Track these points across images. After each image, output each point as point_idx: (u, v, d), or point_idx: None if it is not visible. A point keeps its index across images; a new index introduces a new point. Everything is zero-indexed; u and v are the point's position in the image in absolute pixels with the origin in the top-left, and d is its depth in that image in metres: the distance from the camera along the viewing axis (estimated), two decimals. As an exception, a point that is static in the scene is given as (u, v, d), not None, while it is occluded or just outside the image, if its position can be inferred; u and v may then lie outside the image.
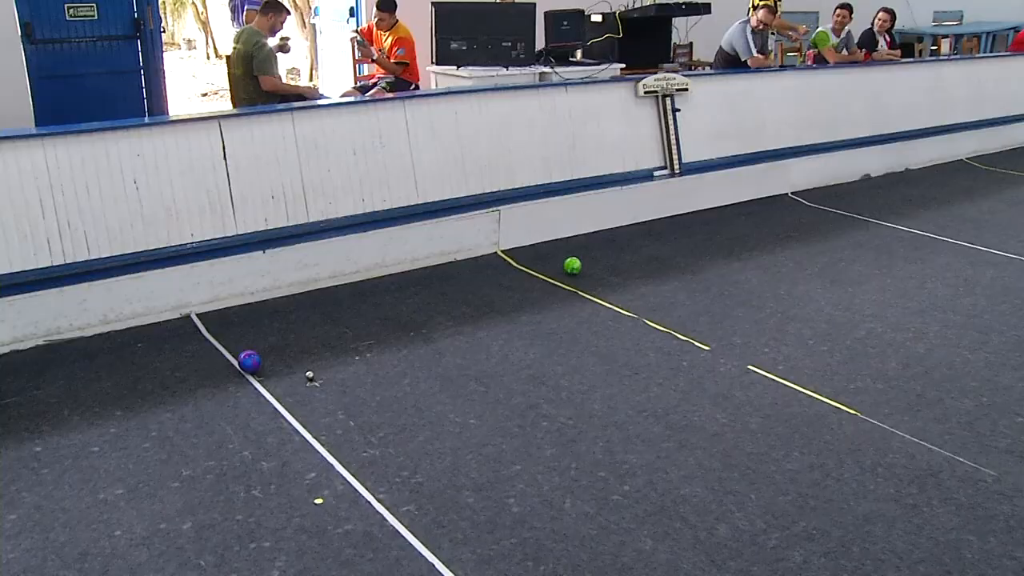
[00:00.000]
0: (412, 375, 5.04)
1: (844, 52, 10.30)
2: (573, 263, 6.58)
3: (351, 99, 7.58)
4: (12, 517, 3.75)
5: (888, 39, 11.10)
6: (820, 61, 10.27)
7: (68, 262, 5.41)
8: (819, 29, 10.69)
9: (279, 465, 4.13)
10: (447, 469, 4.11)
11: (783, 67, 10.49)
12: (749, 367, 5.18)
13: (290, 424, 4.49)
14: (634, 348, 5.43)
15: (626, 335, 5.61)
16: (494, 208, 7.04)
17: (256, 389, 4.87)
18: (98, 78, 8.11)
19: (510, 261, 6.95)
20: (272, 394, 4.79)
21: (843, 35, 10.35)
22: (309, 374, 4.98)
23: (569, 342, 5.49)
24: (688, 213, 8.21)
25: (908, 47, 13.63)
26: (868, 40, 10.85)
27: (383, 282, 6.45)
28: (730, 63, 9.41)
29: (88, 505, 3.84)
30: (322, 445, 4.29)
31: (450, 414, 4.62)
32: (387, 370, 5.10)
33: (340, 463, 4.13)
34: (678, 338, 5.56)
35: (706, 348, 5.43)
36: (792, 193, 9.02)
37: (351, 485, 3.97)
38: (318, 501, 3.86)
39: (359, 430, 4.44)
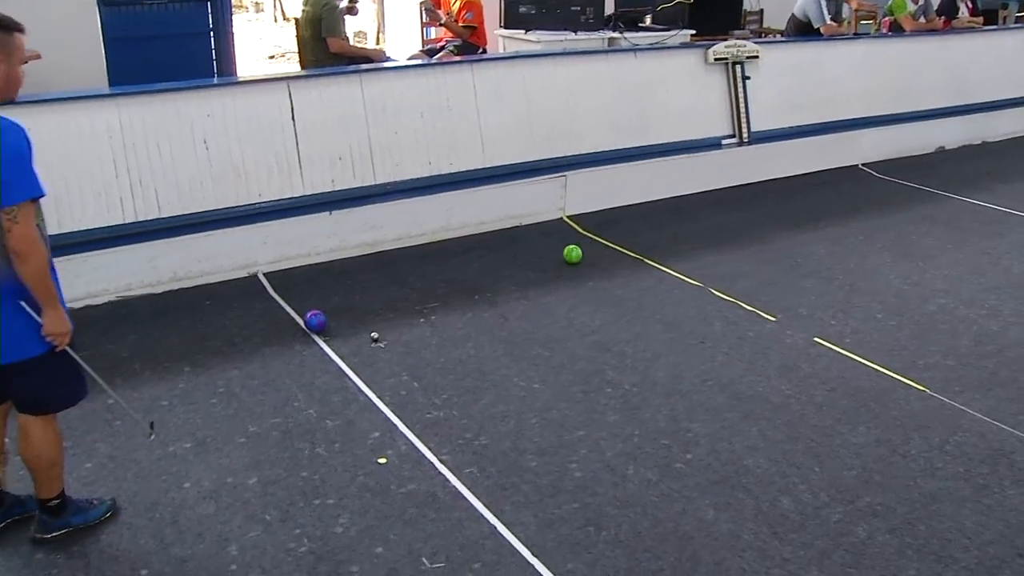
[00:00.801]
0: (476, 338, 5.06)
1: (921, 19, 9.99)
2: (572, 253, 6.22)
3: (419, 62, 7.57)
4: (88, 466, 3.85)
5: (970, 5, 10.75)
6: (896, 29, 9.99)
7: (140, 220, 5.51)
8: (896, -4, 10.38)
9: (344, 424, 4.18)
10: (510, 432, 4.13)
11: (857, 35, 10.22)
12: (815, 339, 5.11)
13: (355, 384, 4.54)
14: (699, 317, 5.38)
15: (691, 303, 5.57)
16: (561, 173, 7.00)
17: (321, 348, 4.93)
18: (169, 40, 8.17)
19: (576, 227, 6.92)
20: (337, 354, 4.85)
21: (921, 2, 10.05)
22: (374, 335, 5.03)
23: (634, 309, 5.47)
24: (756, 183, 8.08)
25: (991, 14, 13.16)
26: (948, 6, 10.51)
27: (448, 245, 6.48)
28: (802, 30, 9.20)
29: (158, 457, 3.93)
30: (386, 405, 4.33)
31: (514, 378, 4.63)
32: (451, 333, 5.13)
33: (404, 423, 4.18)
34: (744, 308, 5.51)
35: (772, 319, 5.37)
36: (863, 164, 8.83)
37: (415, 445, 4.01)
38: (382, 460, 3.90)
39: (423, 391, 4.48)
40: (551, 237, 6.68)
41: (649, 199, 7.49)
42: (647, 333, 5.15)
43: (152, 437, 3.83)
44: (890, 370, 4.76)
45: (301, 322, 5.18)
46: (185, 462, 3.89)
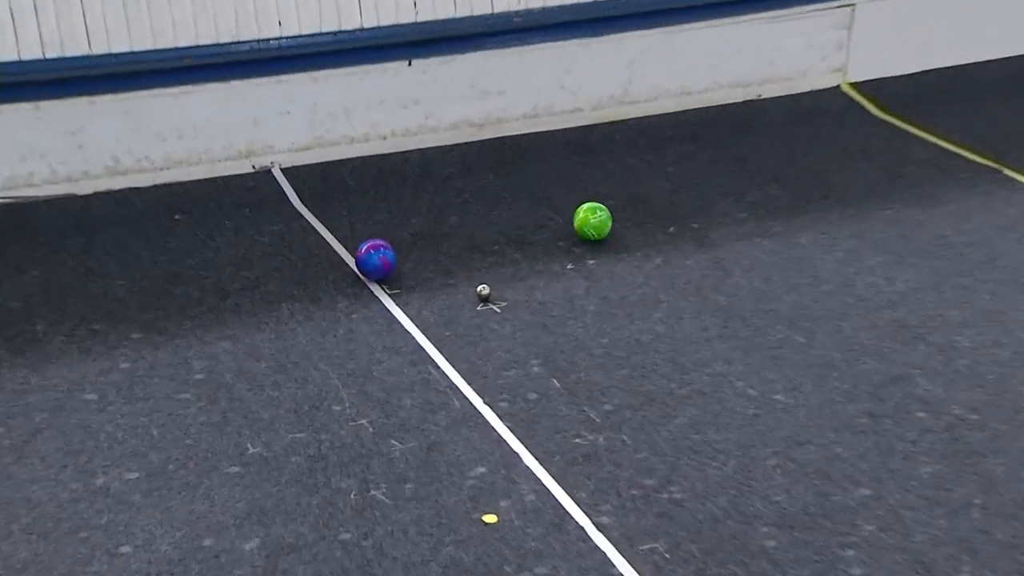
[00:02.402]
0: (670, 304, 5.04)
1: None
2: (588, 222, 5.63)
3: None
4: (-65, 507, 3.93)
5: None
6: None
7: (50, 57, 5.59)
8: None
9: (422, 448, 4.19)
10: (729, 480, 4.07)
11: None
12: None
13: (444, 375, 4.56)
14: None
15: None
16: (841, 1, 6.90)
17: (385, 308, 4.98)
18: None
19: (866, 103, 6.85)
20: (414, 321, 4.88)
21: None
22: (483, 290, 5.04)
23: (979, 264, 5.35)
24: None
25: None
26: None
27: (622, 130, 6.50)
28: None
29: (75, 497, 3.96)
30: (499, 417, 4.33)
31: (737, 381, 4.57)
32: (623, 292, 5.12)
33: (531, 452, 4.16)
34: None
35: None
36: None
37: (550, 494, 3.98)
38: (489, 519, 3.89)
39: (569, 395, 4.46)
40: (815, 123, 6.63)
41: (1014, 53, 7.35)
42: (1003, 312, 5.02)
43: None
44: None
45: (350, 259, 5.22)
46: (126, 506, 3.93)
